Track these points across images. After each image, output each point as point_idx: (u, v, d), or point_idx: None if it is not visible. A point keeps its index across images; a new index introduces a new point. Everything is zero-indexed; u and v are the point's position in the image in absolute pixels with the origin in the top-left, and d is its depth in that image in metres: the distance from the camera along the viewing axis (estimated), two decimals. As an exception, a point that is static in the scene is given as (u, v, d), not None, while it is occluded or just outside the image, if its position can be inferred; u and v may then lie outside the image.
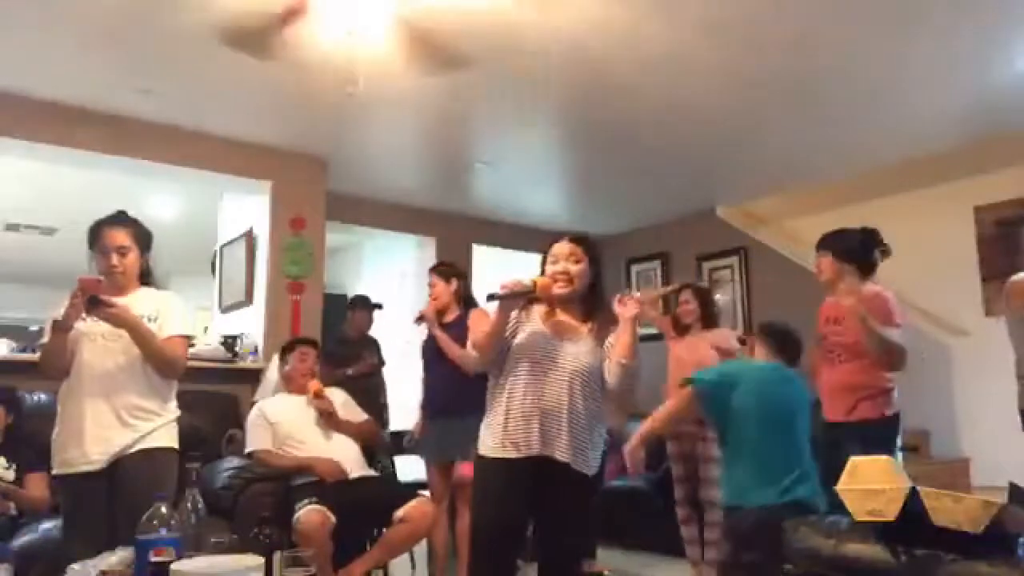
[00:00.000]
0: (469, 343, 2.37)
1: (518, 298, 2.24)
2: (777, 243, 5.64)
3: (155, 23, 3.14)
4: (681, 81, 3.72)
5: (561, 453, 2.19)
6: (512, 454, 2.21)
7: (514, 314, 2.30)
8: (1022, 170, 4.87)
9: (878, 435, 3.05)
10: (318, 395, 3.51)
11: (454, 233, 6.11)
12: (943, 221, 5.31)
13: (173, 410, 2.59)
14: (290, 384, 3.60)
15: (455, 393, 3.40)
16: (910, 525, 1.90)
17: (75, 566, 1.72)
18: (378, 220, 5.85)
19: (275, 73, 3.58)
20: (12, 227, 6.71)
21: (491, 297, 2.19)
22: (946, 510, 1.85)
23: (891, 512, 1.93)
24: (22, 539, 2.88)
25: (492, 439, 2.26)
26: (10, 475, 3.14)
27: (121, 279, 2.52)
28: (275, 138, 4.57)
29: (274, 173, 4.69)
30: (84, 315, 2.33)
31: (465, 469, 3.56)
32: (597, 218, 6.31)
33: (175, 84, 3.79)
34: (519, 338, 2.29)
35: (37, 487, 3.09)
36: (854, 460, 2.16)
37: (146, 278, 2.63)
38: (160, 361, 2.47)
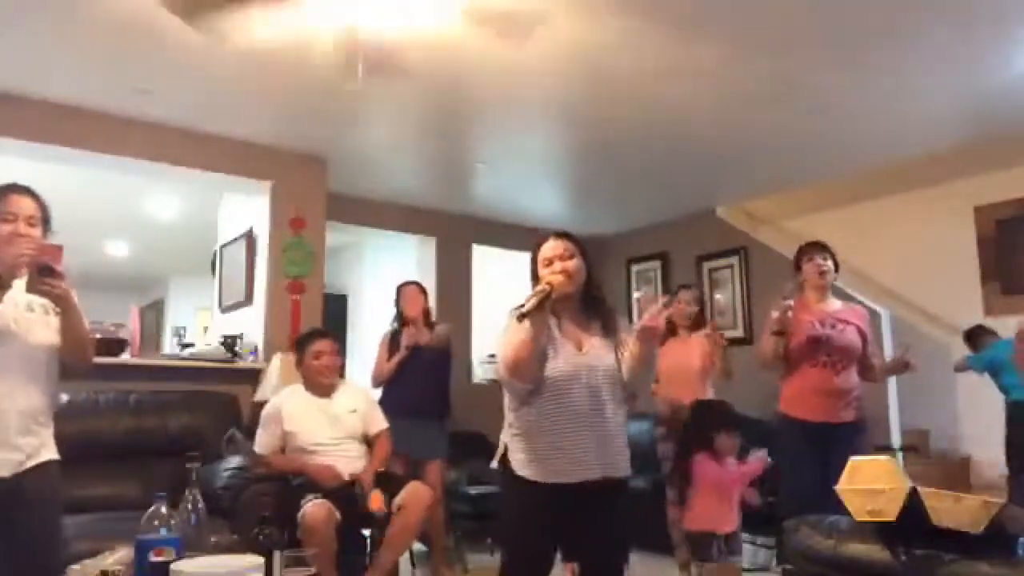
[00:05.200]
0: (501, 363, 2.22)
1: (544, 306, 2.11)
2: (777, 243, 5.64)
3: (155, 23, 3.13)
4: (681, 82, 3.72)
5: (608, 467, 2.17)
6: (574, 479, 2.14)
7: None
8: (1022, 170, 4.87)
9: (864, 433, 3.33)
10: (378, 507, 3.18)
11: (454, 233, 6.11)
12: (943, 221, 5.31)
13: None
14: (311, 384, 3.42)
15: (423, 399, 4.02)
16: (910, 525, 1.90)
17: (75, 566, 1.72)
18: (378, 220, 5.84)
19: (275, 73, 3.58)
20: (12, 227, 6.71)
21: (523, 316, 2.06)
22: (946, 510, 1.85)
23: (891, 512, 1.93)
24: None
25: (543, 467, 2.17)
26: None
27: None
28: (275, 138, 4.56)
29: (274, 173, 4.68)
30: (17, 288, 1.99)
31: (435, 470, 4.03)
32: (597, 218, 6.32)
33: (175, 84, 3.79)
34: (550, 363, 2.20)
35: None
36: (854, 460, 2.17)
37: None
38: (85, 350, 2.18)
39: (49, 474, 2.09)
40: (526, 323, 2.07)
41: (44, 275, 1.93)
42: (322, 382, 3.41)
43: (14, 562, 1.96)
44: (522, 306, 2.08)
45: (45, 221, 2.19)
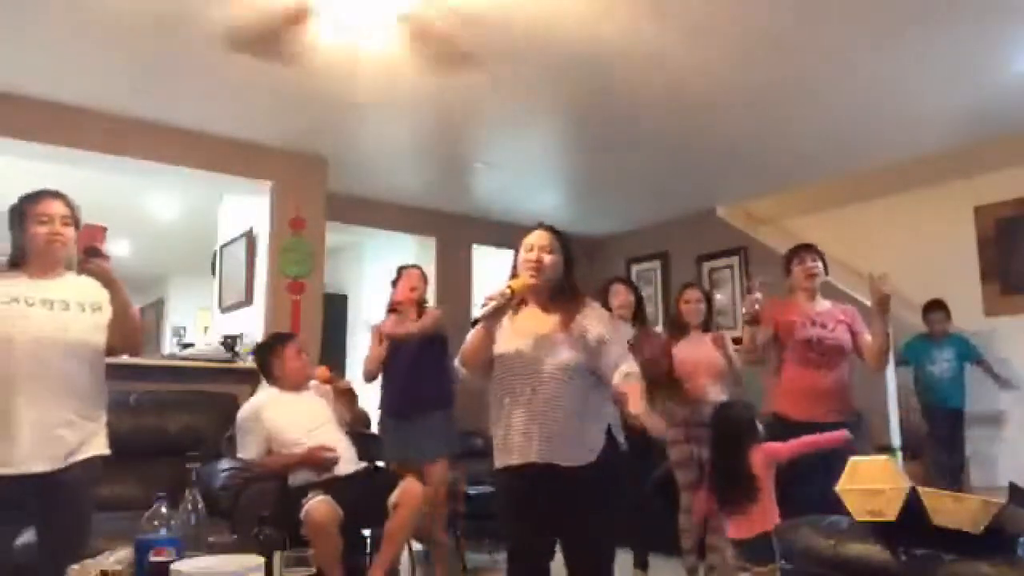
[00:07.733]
0: (458, 359, 2.35)
1: (503, 311, 2.22)
2: (777, 243, 5.64)
3: (155, 23, 3.13)
4: (681, 82, 3.73)
5: (551, 454, 2.15)
6: (516, 461, 2.19)
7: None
8: (1022, 170, 4.87)
9: (858, 430, 3.26)
10: (330, 380, 3.51)
11: (454, 233, 6.11)
12: (943, 221, 5.32)
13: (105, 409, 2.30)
14: (289, 384, 3.46)
15: (413, 394, 3.77)
16: (910, 525, 1.90)
17: (75, 566, 1.72)
18: (378, 220, 5.84)
19: (275, 73, 3.58)
20: (12, 227, 6.70)
21: (476, 322, 2.19)
22: (946, 510, 1.85)
23: (891, 512, 1.93)
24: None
25: (500, 453, 2.27)
26: None
27: (62, 253, 2.25)
28: (275, 138, 4.56)
29: (274, 173, 4.68)
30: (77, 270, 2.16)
31: (436, 471, 3.77)
32: (597, 218, 6.31)
33: (175, 84, 3.79)
34: (497, 348, 2.27)
35: None
36: (854, 460, 2.17)
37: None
38: (134, 332, 2.28)
39: (89, 469, 2.16)
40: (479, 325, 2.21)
41: (91, 255, 2.07)
42: (304, 377, 3.50)
43: (49, 551, 2.04)
44: (485, 304, 2.18)
45: (76, 222, 2.32)
